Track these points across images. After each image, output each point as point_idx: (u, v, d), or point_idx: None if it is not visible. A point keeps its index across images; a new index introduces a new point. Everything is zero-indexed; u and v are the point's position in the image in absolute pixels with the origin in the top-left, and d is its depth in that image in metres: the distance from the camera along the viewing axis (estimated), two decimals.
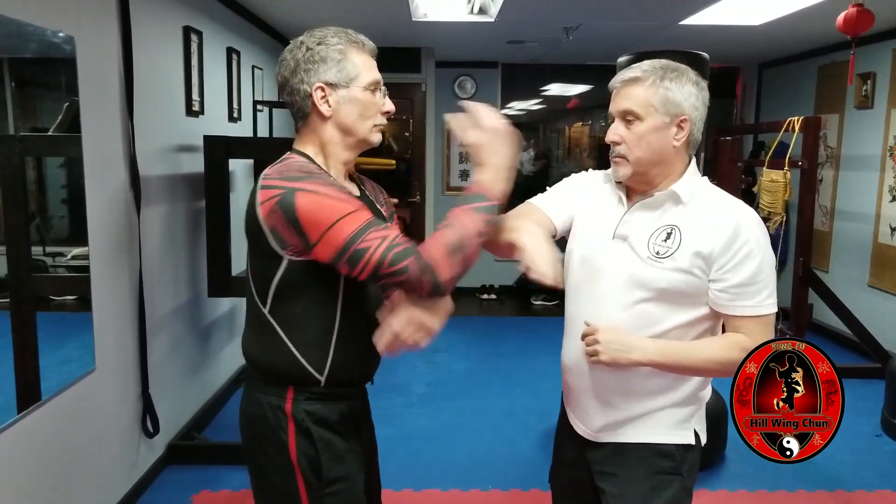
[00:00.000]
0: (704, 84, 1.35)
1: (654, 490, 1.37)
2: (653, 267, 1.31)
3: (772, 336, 1.31)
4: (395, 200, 1.78)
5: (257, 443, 1.33)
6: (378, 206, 1.44)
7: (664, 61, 1.34)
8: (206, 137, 2.99)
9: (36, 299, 2.09)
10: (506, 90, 6.37)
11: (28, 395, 2.00)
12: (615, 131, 1.34)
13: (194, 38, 3.17)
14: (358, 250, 1.16)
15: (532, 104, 7.86)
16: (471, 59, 6.01)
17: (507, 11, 3.92)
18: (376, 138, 1.34)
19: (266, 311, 1.28)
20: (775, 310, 1.32)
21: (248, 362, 1.36)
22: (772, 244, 4.91)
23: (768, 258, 1.32)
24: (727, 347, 1.31)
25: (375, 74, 1.32)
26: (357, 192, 1.36)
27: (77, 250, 2.31)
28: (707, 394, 1.47)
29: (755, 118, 6.20)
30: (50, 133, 2.26)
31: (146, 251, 2.67)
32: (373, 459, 1.54)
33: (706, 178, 1.41)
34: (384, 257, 1.16)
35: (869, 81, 4.56)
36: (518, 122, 7.92)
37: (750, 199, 4.95)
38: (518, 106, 7.84)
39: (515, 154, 1.27)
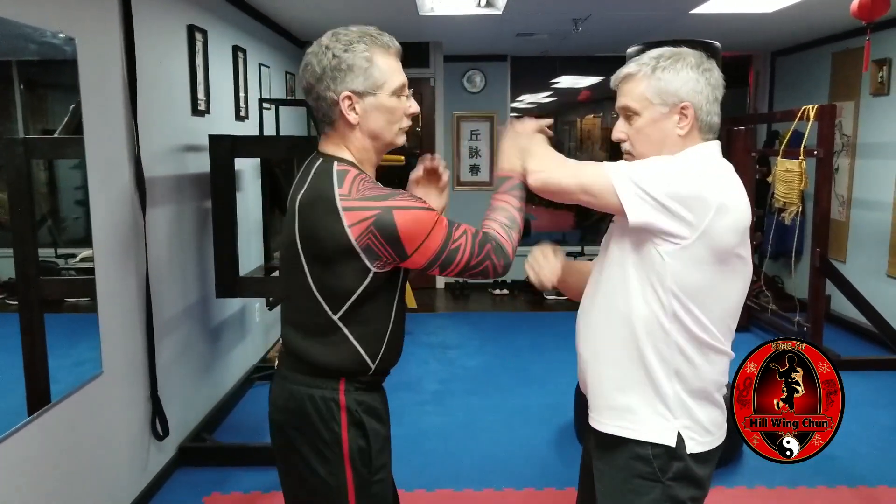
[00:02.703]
0: (710, 64, 1.30)
1: (631, 492, 1.32)
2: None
3: (592, 180, 1.29)
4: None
5: (303, 437, 1.35)
6: None
7: (662, 49, 1.31)
8: (211, 136, 2.97)
9: (43, 301, 2.08)
10: (515, 83, 6.32)
11: (38, 397, 2.00)
12: (620, 129, 1.36)
13: (199, 36, 3.15)
14: (451, 251, 1.31)
15: (543, 97, 7.78)
16: (479, 52, 5.95)
17: (514, 3, 3.87)
18: (401, 140, 1.39)
19: (336, 317, 1.33)
20: (612, 178, 1.26)
21: (300, 360, 1.37)
22: (787, 234, 4.80)
23: (653, 166, 1.27)
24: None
25: (401, 77, 1.34)
26: None
27: (86, 252, 2.30)
28: (711, 391, 1.35)
29: (769, 107, 6.10)
30: (56, 135, 2.26)
31: (153, 252, 2.65)
32: None
33: (719, 163, 1.31)
34: (472, 254, 1.32)
35: (885, 68, 4.46)
36: (528, 114, 7.85)
37: (765, 189, 4.87)
38: (529, 99, 7.77)
39: (517, 139, 1.42)
